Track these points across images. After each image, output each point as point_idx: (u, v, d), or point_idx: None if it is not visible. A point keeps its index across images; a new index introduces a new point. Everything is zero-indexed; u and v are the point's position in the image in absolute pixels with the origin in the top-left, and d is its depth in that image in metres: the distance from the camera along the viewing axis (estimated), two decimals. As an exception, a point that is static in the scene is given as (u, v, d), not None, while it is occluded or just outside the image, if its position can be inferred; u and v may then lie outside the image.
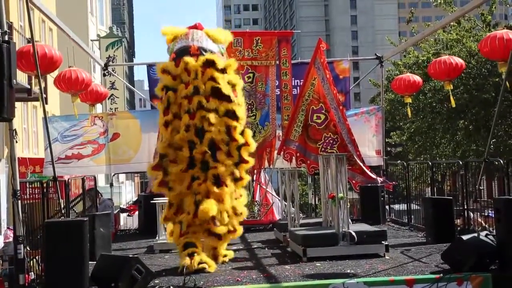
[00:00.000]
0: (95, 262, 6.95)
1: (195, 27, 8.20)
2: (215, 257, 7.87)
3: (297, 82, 13.17)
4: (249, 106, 12.12)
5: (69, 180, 10.50)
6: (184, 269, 6.94)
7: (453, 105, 12.75)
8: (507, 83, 8.81)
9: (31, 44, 8.04)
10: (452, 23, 20.34)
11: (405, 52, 23.31)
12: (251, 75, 12.19)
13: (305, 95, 12.04)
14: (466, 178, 10.48)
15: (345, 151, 11.44)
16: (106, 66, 13.99)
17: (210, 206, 7.48)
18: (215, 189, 7.67)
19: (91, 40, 33.06)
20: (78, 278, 6.34)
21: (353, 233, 8.22)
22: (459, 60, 10.67)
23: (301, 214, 11.63)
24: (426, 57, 21.36)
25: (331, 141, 12.04)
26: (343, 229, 8.31)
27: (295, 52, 75.63)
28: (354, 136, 12.04)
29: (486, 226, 9.92)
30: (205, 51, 7.86)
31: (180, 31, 8.13)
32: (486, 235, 7.09)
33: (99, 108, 19.63)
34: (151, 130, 12.64)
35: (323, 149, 11.95)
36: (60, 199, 8.04)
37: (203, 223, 7.66)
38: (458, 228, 9.96)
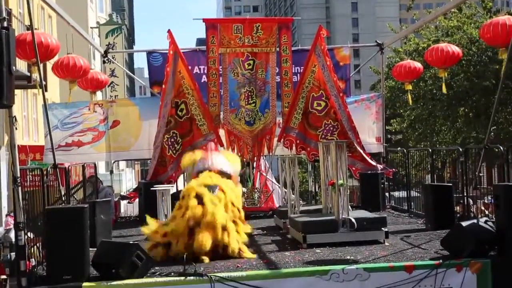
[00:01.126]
0: (95, 249, 6.97)
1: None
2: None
3: (297, 69, 13.13)
4: (249, 93, 12.11)
5: (69, 167, 10.50)
6: (185, 256, 6.96)
7: (445, 91, 12.79)
8: (503, 68, 8.79)
9: (27, 32, 8.00)
10: (453, 10, 20.27)
11: (406, 39, 23.27)
12: (251, 62, 12.15)
13: (306, 82, 12.03)
14: (466, 165, 10.48)
15: (345, 138, 11.45)
16: (105, 53, 13.96)
17: (205, 239, 7.24)
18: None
19: (90, 28, 32.97)
20: (79, 264, 6.36)
21: (353, 220, 8.23)
22: (455, 49, 10.67)
23: (301, 201, 11.65)
24: (426, 44, 21.31)
25: (331, 128, 12.05)
26: (343, 216, 8.33)
27: (295, 39, 75.32)
28: (355, 123, 12.05)
29: (487, 212, 9.96)
30: (224, 173, 8.40)
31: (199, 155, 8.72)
32: (485, 222, 7.11)
33: (99, 95, 19.61)
34: (151, 117, 12.63)
35: (323, 136, 11.96)
36: (61, 186, 8.05)
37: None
38: (458, 215, 9.98)
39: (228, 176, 8.45)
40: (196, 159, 8.64)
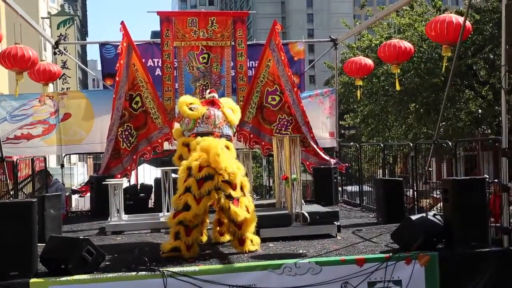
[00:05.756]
0: (44, 244, 6.81)
1: (213, 102, 8.21)
2: (241, 242, 7.47)
3: (252, 64, 13.12)
4: (204, 87, 12.02)
5: (18, 161, 10.24)
6: (136, 250, 6.88)
7: (398, 88, 13.05)
8: (445, 65, 9.00)
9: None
10: (405, 8, 20.64)
11: (360, 36, 23.57)
12: (206, 55, 12.07)
13: (260, 77, 12.07)
14: (417, 160, 10.71)
15: (299, 132, 11.54)
16: (57, 44, 13.62)
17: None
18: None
19: (41, 18, 32.17)
20: (26, 260, 6.21)
21: (306, 214, 8.31)
22: (408, 45, 10.84)
23: (255, 195, 11.69)
24: (379, 41, 21.63)
25: (286, 123, 12.12)
26: (296, 210, 8.40)
27: (251, 34, 75.56)
28: (308, 118, 12.15)
29: (436, 207, 10.18)
30: (224, 136, 7.98)
31: (200, 111, 8.05)
32: (433, 215, 7.27)
33: (50, 87, 19.16)
34: (103, 110, 12.41)
35: (277, 130, 12.02)
36: (8, 180, 7.84)
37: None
38: (407, 208, 10.19)
39: (229, 139, 8.10)
40: (199, 115, 7.99)
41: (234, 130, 8.50)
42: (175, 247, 7.11)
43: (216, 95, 8.50)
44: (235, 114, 8.38)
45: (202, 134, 7.84)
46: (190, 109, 8.00)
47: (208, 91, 8.96)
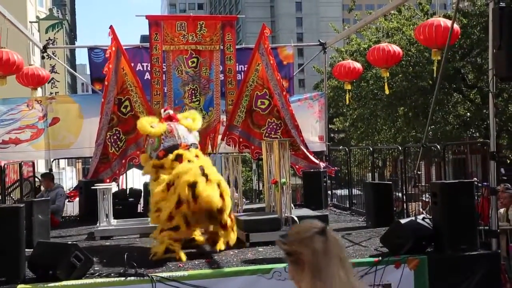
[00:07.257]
0: (32, 250, 6.75)
1: (170, 117, 8.58)
2: (214, 243, 7.71)
3: (241, 68, 13.14)
4: (193, 91, 12.02)
5: (5, 166, 10.16)
6: (125, 256, 6.84)
7: (387, 92, 13.09)
8: (435, 68, 9.06)
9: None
10: (393, 12, 20.78)
11: (348, 39, 23.68)
12: (195, 59, 12.05)
13: (249, 81, 12.06)
14: (405, 163, 10.74)
15: (289, 136, 11.55)
16: (45, 48, 13.57)
17: (213, 193, 7.11)
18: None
19: (30, 22, 32.03)
20: (14, 265, 6.15)
21: (296, 218, 8.30)
22: (397, 48, 10.89)
23: (244, 200, 11.67)
24: (367, 44, 21.73)
25: (275, 127, 12.13)
26: (286, 214, 8.39)
27: (240, 37, 75.60)
28: (298, 122, 12.16)
29: (424, 211, 10.21)
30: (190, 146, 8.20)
31: (161, 127, 8.29)
32: (423, 219, 7.30)
33: (38, 91, 19.05)
34: (92, 115, 12.36)
35: (267, 134, 12.02)
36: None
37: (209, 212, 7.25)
38: (397, 212, 10.21)
39: (196, 147, 8.29)
40: (159, 132, 8.21)
41: (199, 138, 8.75)
42: (167, 249, 7.19)
43: (171, 112, 8.86)
44: (195, 122, 8.71)
45: (170, 148, 8.02)
46: (151, 127, 8.29)
47: (162, 110, 9.24)
